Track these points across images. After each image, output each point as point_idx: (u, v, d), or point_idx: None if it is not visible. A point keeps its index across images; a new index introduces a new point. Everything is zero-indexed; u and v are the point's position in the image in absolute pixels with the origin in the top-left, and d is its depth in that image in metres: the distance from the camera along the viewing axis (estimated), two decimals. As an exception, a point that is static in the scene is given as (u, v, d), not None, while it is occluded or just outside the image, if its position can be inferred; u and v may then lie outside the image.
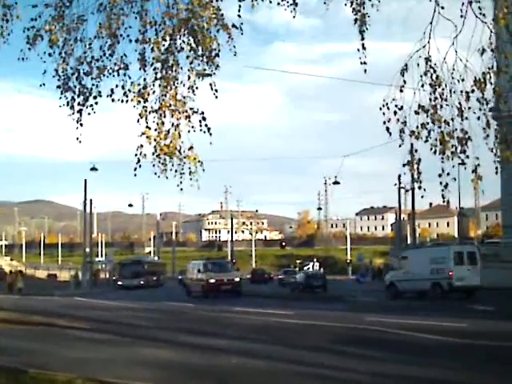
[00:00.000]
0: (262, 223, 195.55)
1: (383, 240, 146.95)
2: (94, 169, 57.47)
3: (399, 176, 7.67)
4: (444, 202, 7.89)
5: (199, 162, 9.23)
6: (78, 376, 10.71)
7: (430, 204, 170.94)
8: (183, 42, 9.46)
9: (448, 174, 7.63)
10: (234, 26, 9.45)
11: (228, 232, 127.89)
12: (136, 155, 9.20)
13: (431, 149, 7.62)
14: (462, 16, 7.63)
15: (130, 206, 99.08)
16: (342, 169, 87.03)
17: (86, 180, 65.53)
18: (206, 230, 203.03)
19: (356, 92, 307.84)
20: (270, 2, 9.54)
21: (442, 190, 7.68)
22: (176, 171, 9.22)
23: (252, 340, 16.89)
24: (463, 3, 7.51)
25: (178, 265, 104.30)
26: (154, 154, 9.37)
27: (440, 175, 7.58)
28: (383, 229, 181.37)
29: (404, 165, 7.64)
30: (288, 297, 42.83)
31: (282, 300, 38.21)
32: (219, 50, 9.39)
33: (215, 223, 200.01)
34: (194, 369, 12.49)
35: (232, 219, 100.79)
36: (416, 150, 7.66)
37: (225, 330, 19.60)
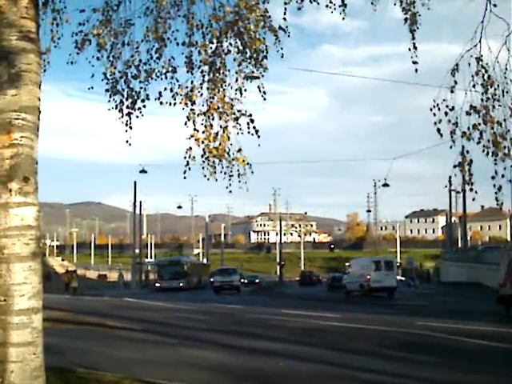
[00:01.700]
0: (311, 225, 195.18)
1: (434, 243, 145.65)
2: (143, 171, 58.10)
3: (450, 178, 7.50)
4: (497, 204, 7.72)
5: (248, 164, 9.22)
6: (125, 376, 10.77)
7: (482, 206, 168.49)
8: (230, 44, 9.48)
9: (503, 175, 7.45)
10: (280, 28, 9.43)
11: (276, 234, 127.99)
12: (185, 158, 9.24)
13: (483, 150, 7.46)
14: (514, 14, 7.48)
15: (179, 207, 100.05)
16: (391, 171, 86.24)
17: (135, 182, 66.37)
18: (254, 231, 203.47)
19: (403, 94, 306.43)
20: (318, 3, 9.47)
21: (496, 193, 7.52)
22: (225, 173, 9.23)
23: (300, 343, 16.80)
24: (514, 0, 7.36)
25: (226, 266, 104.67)
26: (202, 156, 9.38)
27: (493, 177, 7.42)
28: (433, 232, 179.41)
29: (455, 166, 7.50)
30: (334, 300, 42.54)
31: (330, 303, 37.98)
32: (267, 52, 9.37)
33: (264, 225, 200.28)
34: (241, 371, 12.44)
35: (281, 221, 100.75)
36: (468, 152, 7.50)
37: (273, 332, 19.55)
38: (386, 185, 59.32)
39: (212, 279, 64.87)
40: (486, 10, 7.33)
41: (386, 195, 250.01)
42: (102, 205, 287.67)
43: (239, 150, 9.36)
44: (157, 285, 62.21)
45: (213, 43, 9.48)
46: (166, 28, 9.54)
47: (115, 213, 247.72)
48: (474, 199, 7.58)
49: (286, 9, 9.42)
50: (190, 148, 9.33)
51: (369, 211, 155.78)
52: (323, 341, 17.34)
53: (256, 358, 14.11)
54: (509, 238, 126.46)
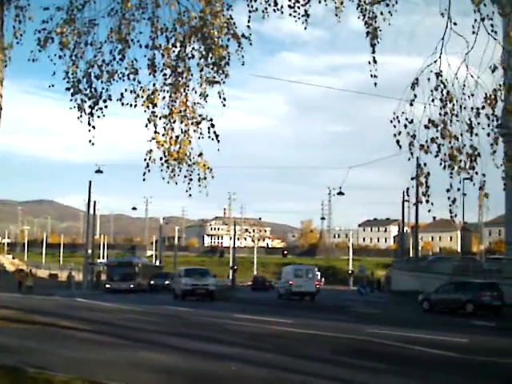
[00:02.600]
0: (265, 231, 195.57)
1: (385, 252, 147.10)
2: (99, 171, 57.53)
3: (407, 189, 7.67)
4: (451, 217, 7.89)
5: (209, 168, 9.28)
6: (77, 377, 10.70)
7: (434, 218, 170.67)
8: (194, 49, 9.52)
9: (458, 189, 7.64)
10: (243, 35, 9.52)
11: (230, 238, 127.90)
12: (145, 160, 9.25)
13: (440, 163, 7.64)
14: (473, 32, 7.67)
15: (134, 209, 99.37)
16: (347, 180, 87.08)
17: (90, 181, 65.58)
18: (208, 235, 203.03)
19: (361, 104, 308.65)
20: (282, 12, 9.59)
21: (450, 205, 7.70)
22: (185, 177, 9.27)
23: (252, 347, 16.86)
24: (476, 20, 7.55)
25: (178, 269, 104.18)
26: (161, 159, 9.41)
27: (448, 190, 7.60)
28: (386, 241, 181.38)
29: (412, 178, 7.66)
30: (286, 305, 42.76)
31: (280, 308, 38.17)
32: (229, 59, 9.45)
33: (218, 229, 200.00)
34: (194, 374, 12.46)
35: (235, 226, 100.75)
36: (425, 164, 7.66)
37: (225, 336, 19.57)
38: (341, 193, 59.69)
39: (167, 281, 65.32)
40: (447, 27, 7.51)
41: (340, 203, 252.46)
42: (55, 203, 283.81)
43: (200, 155, 9.43)
44: (107, 286, 61.11)
45: (176, 47, 9.51)
46: (130, 30, 9.55)
47: (68, 212, 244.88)
48: (429, 210, 7.76)
49: (250, 17, 9.52)
50: (151, 150, 9.35)
51: (323, 219, 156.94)
52: (276, 346, 17.43)
53: (209, 361, 14.12)
54: (459, 250, 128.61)
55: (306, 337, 20.15)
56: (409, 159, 7.79)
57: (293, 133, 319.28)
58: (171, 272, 77.61)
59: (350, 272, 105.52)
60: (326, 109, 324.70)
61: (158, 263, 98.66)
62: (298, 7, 9.51)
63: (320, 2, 9.61)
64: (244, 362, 13.92)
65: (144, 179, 9.29)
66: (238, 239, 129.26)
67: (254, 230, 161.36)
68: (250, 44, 9.60)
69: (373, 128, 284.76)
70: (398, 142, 7.83)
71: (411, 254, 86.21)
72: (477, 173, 7.50)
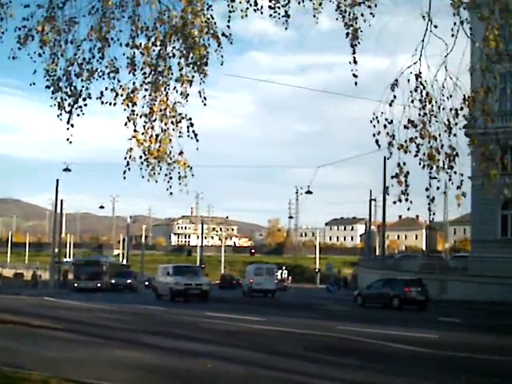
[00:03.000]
0: (232, 230, 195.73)
1: (352, 250, 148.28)
2: (67, 169, 57.11)
3: (386, 188, 7.82)
4: (430, 215, 8.06)
5: (189, 167, 9.35)
6: (53, 376, 10.68)
7: (400, 216, 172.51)
8: (174, 48, 9.57)
9: (438, 188, 7.82)
10: (223, 34, 9.60)
11: (197, 237, 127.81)
12: (125, 158, 9.29)
13: (420, 163, 7.81)
14: (453, 35, 7.85)
15: (102, 207, 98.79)
16: (314, 179, 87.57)
17: (57, 180, 65.07)
18: (175, 234, 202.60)
19: (328, 103, 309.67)
20: (262, 13, 9.69)
21: (429, 204, 7.87)
22: (166, 175, 9.33)
23: (227, 345, 16.97)
24: (455, 23, 7.73)
25: (146, 268, 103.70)
26: (141, 157, 9.46)
27: (427, 189, 7.77)
28: (352, 239, 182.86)
29: (392, 177, 7.80)
30: (254, 303, 42.88)
31: (250, 306, 38.32)
32: (207, 58, 9.51)
33: (185, 228, 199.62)
34: (169, 371, 12.50)
35: (202, 224, 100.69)
36: (404, 164, 7.83)
37: (199, 334, 19.66)
38: (309, 192, 60.23)
39: (130, 280, 65.63)
40: (427, 29, 7.69)
41: (307, 202, 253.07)
42: (20, 202, 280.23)
43: (181, 153, 9.48)
44: (75, 285, 60.85)
45: (156, 46, 9.56)
46: (110, 28, 9.57)
47: (34, 211, 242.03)
48: (408, 209, 7.91)
49: (230, 17, 9.61)
50: (131, 149, 9.39)
51: (291, 217, 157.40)
52: (250, 343, 17.55)
53: (184, 358, 14.19)
54: (424, 248, 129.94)
55: (278, 334, 20.32)
56: (388, 158, 7.95)
57: (261, 132, 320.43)
58: (134, 271, 77.51)
59: (317, 270, 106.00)
60: (294, 108, 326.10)
61: (125, 262, 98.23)
62: (279, 7, 9.61)
63: (299, 4, 9.73)
64: (219, 359, 14.01)
65: (124, 177, 9.32)
66: (206, 238, 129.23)
67: (221, 229, 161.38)
68: (231, 43, 9.69)
69: (340, 128, 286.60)
70: (377, 141, 7.99)
71: (378, 253, 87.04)
72: (455, 172, 7.70)
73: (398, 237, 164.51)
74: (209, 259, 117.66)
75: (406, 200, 7.79)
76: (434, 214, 7.91)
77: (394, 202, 7.70)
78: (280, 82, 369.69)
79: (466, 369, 13.74)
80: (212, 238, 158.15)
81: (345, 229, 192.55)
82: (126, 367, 12.78)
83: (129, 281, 65.75)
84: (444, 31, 7.59)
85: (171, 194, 9.42)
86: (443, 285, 45.82)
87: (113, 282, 64.97)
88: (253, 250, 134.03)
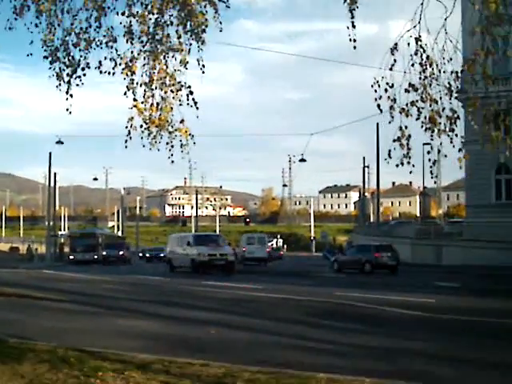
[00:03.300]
0: (226, 199, 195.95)
1: (346, 218, 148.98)
2: (59, 142, 56.73)
3: (389, 151, 7.87)
4: (432, 177, 8.13)
5: (190, 135, 9.37)
6: (59, 345, 10.80)
7: (393, 183, 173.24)
8: (172, 16, 9.52)
9: (439, 151, 7.88)
10: (220, 0, 9.56)
11: (192, 208, 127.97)
12: (126, 127, 9.30)
13: (422, 126, 7.85)
14: (452, -4, 7.86)
15: (95, 179, 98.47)
16: (306, 147, 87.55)
17: (50, 153, 64.71)
18: (169, 205, 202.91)
19: (318, 71, 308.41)
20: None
21: (431, 167, 7.92)
22: (167, 143, 9.35)
23: (228, 312, 17.14)
24: (454, -14, 7.74)
25: (141, 239, 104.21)
26: (141, 126, 9.46)
27: (429, 152, 7.83)
28: (346, 207, 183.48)
29: (394, 140, 7.85)
30: (253, 271, 43.20)
31: (248, 274, 38.58)
32: (206, 26, 9.47)
33: (179, 199, 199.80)
34: (175, 339, 12.65)
35: (197, 195, 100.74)
36: (406, 127, 7.87)
37: (200, 302, 19.83)
38: (302, 160, 60.18)
39: (122, 252, 64.06)
40: (427, -8, 7.69)
41: (300, 170, 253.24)
42: (12, 176, 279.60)
43: (182, 121, 9.49)
44: (70, 257, 60.75)
45: (154, 14, 9.50)
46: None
47: (27, 185, 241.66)
48: (411, 172, 7.96)
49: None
50: (132, 118, 9.39)
51: (285, 186, 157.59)
52: (252, 310, 17.73)
53: (187, 326, 14.37)
54: (418, 214, 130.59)
55: (278, 301, 20.50)
56: (389, 122, 7.98)
57: (251, 100, 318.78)
58: (126, 241, 77.34)
59: (312, 238, 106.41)
60: (285, 76, 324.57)
61: (120, 234, 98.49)
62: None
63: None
64: (223, 326, 14.20)
65: (126, 146, 9.35)
66: (200, 208, 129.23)
67: (215, 199, 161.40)
68: (228, 7, 9.64)
69: (331, 95, 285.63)
70: (379, 106, 8.01)
71: (372, 219, 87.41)
72: (456, 135, 7.75)
73: (392, 203, 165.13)
74: (204, 229, 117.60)
75: (409, 163, 7.85)
76: (436, 176, 7.99)
77: (397, 166, 7.75)
78: (270, 50, 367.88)
79: (459, 331, 13.98)
80: (206, 208, 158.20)
81: (338, 196, 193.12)
82: (131, 336, 12.91)
83: (121, 252, 64.02)
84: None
85: (172, 162, 9.45)
86: (438, 250, 46.12)
87: (104, 254, 62.47)
88: (247, 220, 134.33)
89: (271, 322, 15.19)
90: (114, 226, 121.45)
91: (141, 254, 77.12)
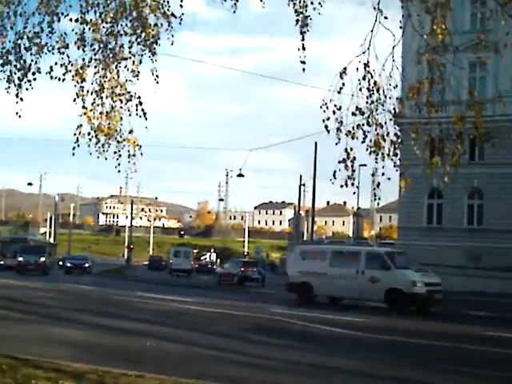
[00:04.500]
0: (161, 211, 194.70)
1: (280, 235, 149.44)
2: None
3: (334, 172, 8.09)
4: (375, 199, 8.39)
5: (138, 145, 9.43)
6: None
7: (328, 202, 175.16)
8: (126, 26, 9.60)
9: (383, 174, 8.15)
10: (173, 15, 9.69)
11: (126, 217, 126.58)
12: (75, 135, 9.28)
13: (367, 149, 8.10)
14: (401, 27, 8.18)
15: (30, 184, 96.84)
16: (242, 162, 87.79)
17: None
18: (103, 213, 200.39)
19: (259, 87, 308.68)
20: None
21: (374, 189, 8.19)
22: (115, 153, 9.37)
23: (163, 324, 17.11)
24: (403, 15, 8.05)
25: (73, 247, 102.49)
26: (89, 134, 9.45)
27: (373, 174, 8.09)
28: (281, 224, 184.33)
29: (339, 162, 8.07)
30: (186, 284, 43.32)
31: (181, 287, 38.61)
32: (159, 38, 9.59)
33: (113, 208, 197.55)
34: (109, 349, 12.58)
35: (132, 204, 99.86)
36: (351, 149, 8.11)
37: (134, 313, 19.73)
38: (240, 175, 60.16)
39: (43, 258, 53.25)
40: (376, 20, 7.97)
41: (237, 185, 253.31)
42: None
43: (131, 132, 9.54)
44: (1, 262, 57.59)
45: (107, 23, 9.55)
46: (60, 2, 9.50)
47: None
48: (354, 193, 8.21)
49: (182, -2, 9.72)
50: (81, 125, 9.39)
51: (221, 200, 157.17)
52: (186, 323, 17.76)
53: (122, 337, 14.30)
54: (351, 234, 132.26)
55: (213, 315, 20.58)
56: (336, 144, 8.21)
57: (192, 113, 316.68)
58: (47, 246, 70.38)
59: (245, 253, 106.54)
60: (225, 90, 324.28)
61: (52, 241, 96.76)
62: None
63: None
64: (159, 338, 14.16)
65: (73, 154, 9.34)
66: (134, 218, 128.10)
67: (150, 210, 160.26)
68: (180, 23, 9.79)
69: (271, 111, 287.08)
70: (326, 127, 8.24)
71: (306, 237, 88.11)
72: (400, 159, 8.04)
73: (326, 222, 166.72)
74: (137, 240, 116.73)
75: (352, 184, 8.08)
76: (379, 198, 8.26)
77: (341, 186, 7.97)
78: (212, 63, 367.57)
79: (390, 350, 14.33)
80: (141, 218, 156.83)
81: (273, 213, 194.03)
82: (64, 344, 12.78)
83: (42, 259, 53.00)
84: (392, 23, 7.89)
85: (119, 171, 9.48)
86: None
87: (20, 260, 52.23)
88: (182, 232, 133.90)
89: (206, 335, 15.24)
90: (45, 233, 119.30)
91: (60, 263, 65.26)
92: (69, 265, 58.89)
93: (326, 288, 27.47)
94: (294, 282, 29.14)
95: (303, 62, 9.04)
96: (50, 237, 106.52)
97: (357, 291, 26.31)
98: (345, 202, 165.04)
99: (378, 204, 8.84)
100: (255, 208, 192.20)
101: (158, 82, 9.51)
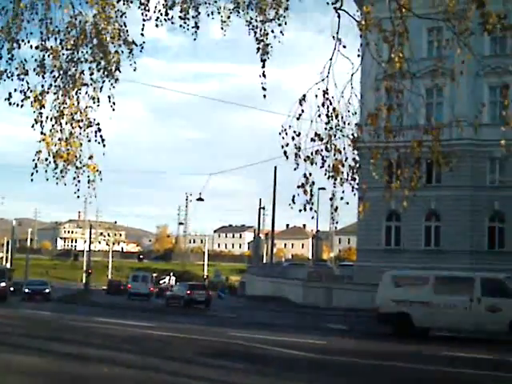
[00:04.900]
0: (120, 235, 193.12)
1: (240, 258, 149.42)
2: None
3: (293, 197, 8.19)
4: (333, 223, 8.51)
5: (98, 171, 9.43)
6: None
7: (287, 225, 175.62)
8: (87, 52, 9.63)
9: (341, 198, 8.28)
10: (133, 42, 9.77)
11: (85, 242, 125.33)
12: (34, 160, 9.26)
13: (325, 174, 8.24)
14: (359, 55, 8.37)
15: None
16: (201, 186, 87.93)
17: None
18: (61, 238, 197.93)
19: (219, 112, 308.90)
20: (173, 23, 9.95)
21: (332, 213, 8.32)
22: (74, 178, 9.35)
23: (120, 350, 16.91)
24: (361, 44, 8.25)
25: (31, 272, 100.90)
26: (47, 159, 9.42)
27: (331, 199, 8.22)
28: (240, 247, 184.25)
29: (298, 187, 8.19)
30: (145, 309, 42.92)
31: (140, 312, 38.33)
32: (119, 64, 9.65)
33: (72, 232, 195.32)
34: (66, 376, 12.44)
35: (91, 229, 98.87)
36: (310, 174, 8.23)
37: (92, 339, 19.48)
38: (200, 199, 60.21)
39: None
40: (335, 49, 8.15)
41: (196, 209, 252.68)
42: None
43: (90, 157, 9.54)
44: None
45: (67, 50, 9.57)
46: (20, 29, 9.51)
47: None
48: (312, 217, 8.32)
49: (144, 25, 9.82)
50: (40, 151, 9.36)
51: (181, 223, 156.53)
52: (144, 348, 17.56)
53: (79, 364, 14.10)
54: (310, 256, 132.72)
55: (169, 339, 20.46)
56: (295, 169, 8.33)
57: (151, 138, 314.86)
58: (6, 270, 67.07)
59: (205, 277, 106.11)
60: (186, 116, 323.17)
61: (8, 266, 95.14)
62: (189, 18, 9.91)
63: (208, 16, 10.06)
64: (116, 364, 14.01)
65: (32, 179, 9.31)
66: (93, 243, 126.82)
67: (109, 234, 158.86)
68: (141, 51, 9.88)
69: (230, 136, 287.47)
70: (285, 152, 8.35)
71: (265, 260, 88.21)
72: (358, 184, 8.18)
73: (285, 245, 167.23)
74: (96, 264, 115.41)
75: (311, 209, 8.20)
76: (337, 222, 8.38)
77: (300, 211, 8.09)
78: (172, 89, 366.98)
79: (349, 373, 14.37)
80: (99, 242, 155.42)
81: (233, 236, 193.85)
82: (18, 372, 12.57)
83: (3, 284, 49.57)
84: (350, 51, 8.08)
85: (78, 197, 9.46)
86: (329, 292, 46.97)
87: None
88: (141, 256, 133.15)
89: (162, 360, 15.09)
90: (1, 258, 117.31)
91: (12, 289, 57.76)
92: (27, 290, 56.06)
93: (428, 318, 23.81)
94: (389, 312, 24.69)
95: (264, 89, 9.18)
96: (6, 262, 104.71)
97: (471, 322, 22.97)
98: (304, 225, 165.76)
99: (336, 228, 8.97)
100: (215, 231, 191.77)
101: (114, 109, 9.55)
